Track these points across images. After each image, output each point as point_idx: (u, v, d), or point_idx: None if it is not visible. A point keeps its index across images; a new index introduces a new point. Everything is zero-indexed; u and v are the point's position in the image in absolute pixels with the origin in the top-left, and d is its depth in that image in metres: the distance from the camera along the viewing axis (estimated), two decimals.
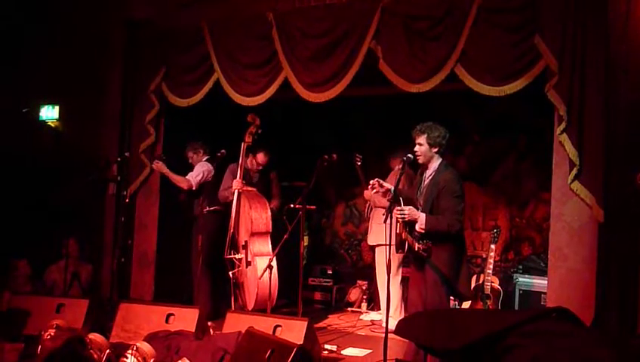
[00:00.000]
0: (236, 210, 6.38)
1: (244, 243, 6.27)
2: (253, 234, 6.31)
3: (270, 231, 6.38)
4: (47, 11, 7.65)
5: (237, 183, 6.40)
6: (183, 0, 7.07)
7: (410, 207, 4.76)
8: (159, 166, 6.83)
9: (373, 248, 6.83)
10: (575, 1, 5.21)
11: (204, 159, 6.91)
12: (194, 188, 6.76)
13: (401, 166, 4.93)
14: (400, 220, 4.72)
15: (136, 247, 7.41)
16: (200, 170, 6.79)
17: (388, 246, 4.65)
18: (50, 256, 7.31)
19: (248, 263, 6.18)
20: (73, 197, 7.19)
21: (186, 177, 6.79)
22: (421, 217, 4.75)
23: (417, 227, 4.78)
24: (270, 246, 6.40)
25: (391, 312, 5.91)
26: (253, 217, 6.32)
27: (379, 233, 6.25)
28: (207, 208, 6.72)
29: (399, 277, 6.53)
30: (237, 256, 6.32)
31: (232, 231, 6.39)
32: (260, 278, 6.00)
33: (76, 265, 7.19)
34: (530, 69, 5.35)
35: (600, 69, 5.12)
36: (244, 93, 6.61)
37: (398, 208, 4.70)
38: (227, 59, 6.72)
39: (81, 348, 3.73)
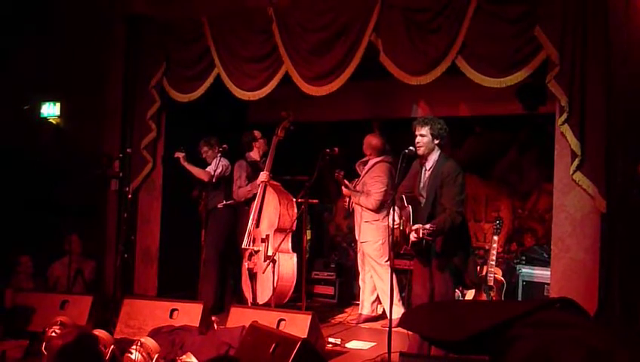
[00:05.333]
0: (260, 203, 6.38)
1: (264, 237, 6.23)
2: (278, 230, 6.23)
3: (294, 229, 6.24)
4: (47, 7, 7.64)
5: (264, 176, 6.40)
6: None
7: (418, 226, 4.66)
8: (181, 157, 6.88)
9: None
10: None
11: (219, 154, 6.89)
12: (214, 181, 6.78)
13: (399, 160, 4.91)
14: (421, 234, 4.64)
15: (139, 243, 7.43)
16: (219, 164, 6.77)
17: (390, 242, 4.66)
18: (53, 253, 7.31)
19: (268, 257, 6.09)
20: (76, 194, 7.20)
21: (206, 170, 6.85)
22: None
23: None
24: (290, 243, 6.31)
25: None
26: (281, 213, 6.27)
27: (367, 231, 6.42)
28: (225, 202, 6.83)
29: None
30: (255, 249, 6.29)
31: (254, 222, 6.38)
32: (276, 273, 5.97)
33: (79, 262, 7.19)
34: (531, 60, 5.33)
35: (600, 60, 5.10)
36: (245, 87, 6.61)
37: (423, 228, 4.60)
38: (227, 53, 6.72)
39: (94, 344, 3.75)
